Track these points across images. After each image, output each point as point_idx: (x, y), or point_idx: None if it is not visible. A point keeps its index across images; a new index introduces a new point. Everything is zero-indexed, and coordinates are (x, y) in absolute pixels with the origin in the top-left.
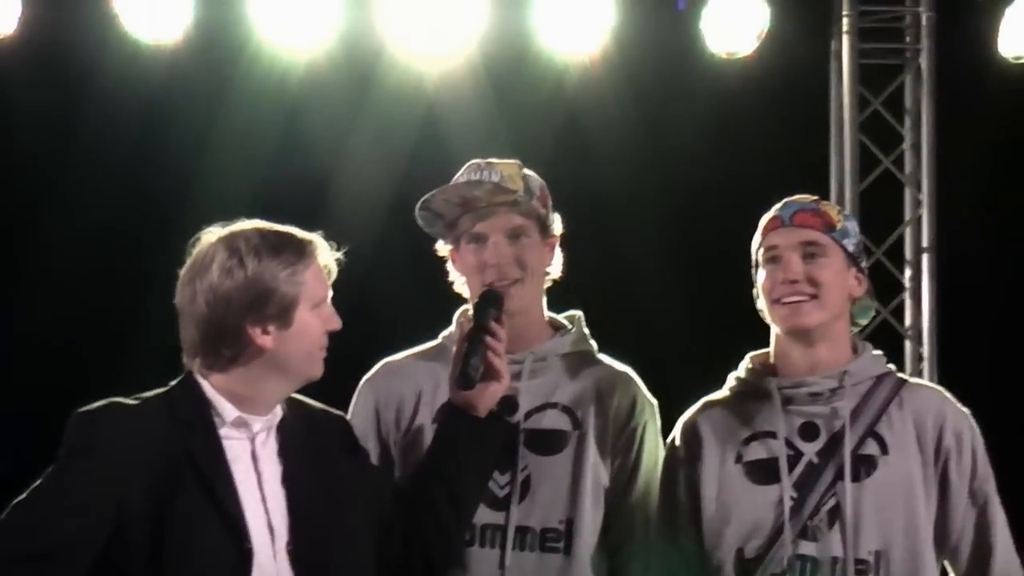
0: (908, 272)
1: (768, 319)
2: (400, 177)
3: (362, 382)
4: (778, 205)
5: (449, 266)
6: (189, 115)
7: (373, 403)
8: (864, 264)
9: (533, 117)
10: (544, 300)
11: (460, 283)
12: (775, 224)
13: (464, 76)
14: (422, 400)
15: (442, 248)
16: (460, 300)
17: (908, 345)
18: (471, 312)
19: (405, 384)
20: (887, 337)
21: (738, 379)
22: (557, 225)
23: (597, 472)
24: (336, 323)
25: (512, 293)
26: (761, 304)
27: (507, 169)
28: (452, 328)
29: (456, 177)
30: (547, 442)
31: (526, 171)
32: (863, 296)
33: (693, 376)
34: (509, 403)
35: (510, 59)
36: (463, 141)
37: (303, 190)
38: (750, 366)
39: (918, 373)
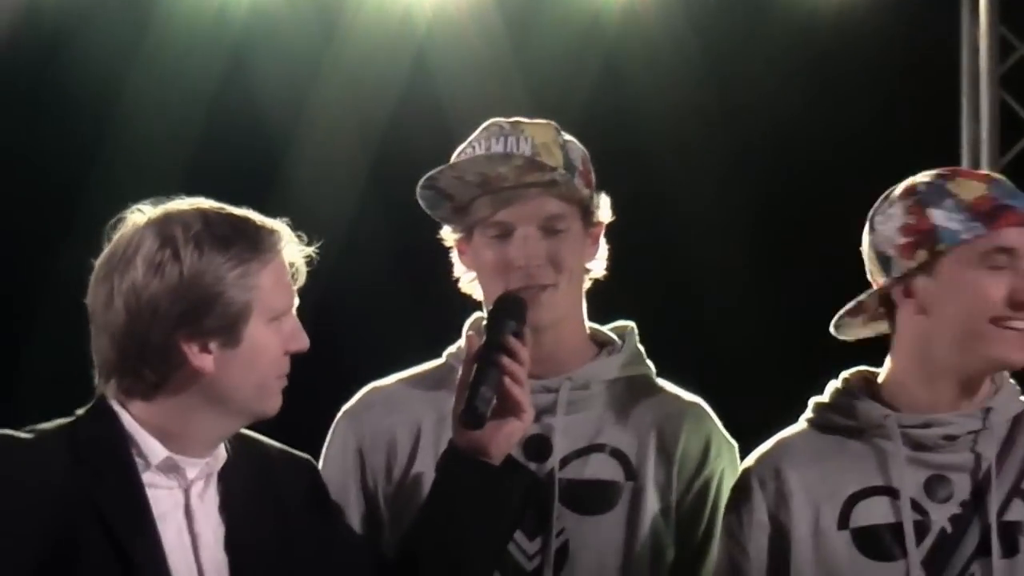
0: None
1: (948, 338)
2: (378, 146)
3: (340, 415)
4: (973, 179)
5: (455, 258)
6: (97, 59)
7: (356, 443)
8: None
9: (559, 71)
10: (584, 307)
11: (468, 281)
12: (1016, 218)
13: (465, 12)
14: (422, 440)
15: (448, 236)
16: (468, 307)
17: None
18: (484, 324)
19: (399, 418)
20: None
21: (826, 407)
22: (604, 209)
23: (658, 537)
24: (301, 342)
25: (544, 302)
26: (920, 309)
27: (541, 134)
28: (461, 343)
29: (470, 142)
30: (591, 497)
31: (565, 136)
32: None
33: (768, 411)
34: (540, 445)
35: None
36: (463, 102)
37: (250, 162)
38: (845, 390)
39: None
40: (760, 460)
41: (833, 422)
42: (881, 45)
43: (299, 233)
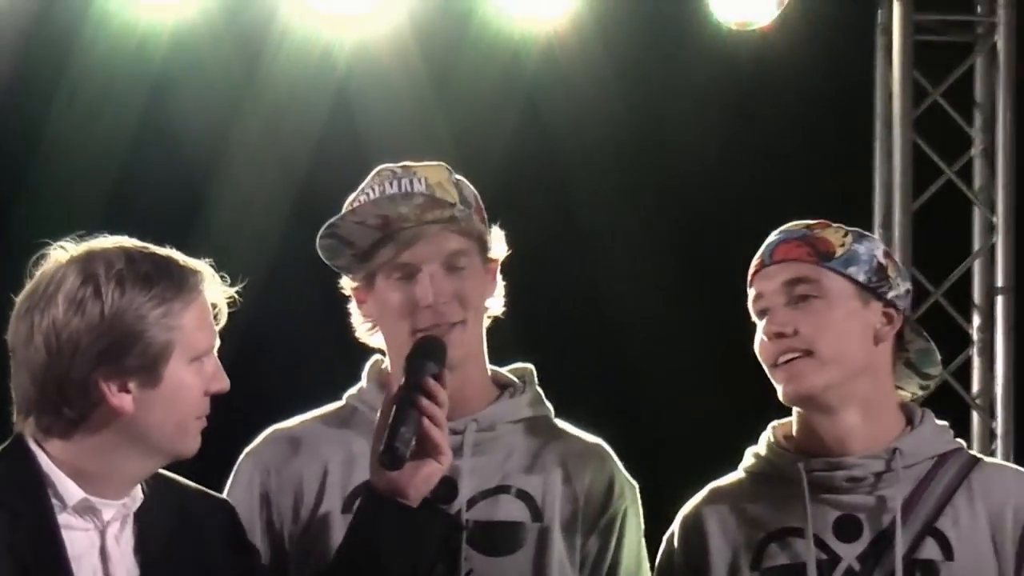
0: (976, 320)
1: None
2: (300, 184)
3: (243, 456)
4: (769, 238)
5: (353, 308)
6: (16, 93)
7: (260, 484)
8: (896, 294)
9: (480, 108)
10: (485, 347)
11: (366, 330)
12: (758, 265)
13: (386, 50)
14: (328, 479)
15: (347, 285)
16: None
17: (976, 416)
18: (399, 366)
19: (305, 458)
20: (949, 406)
21: (755, 456)
22: (500, 244)
23: None
24: (222, 383)
25: (453, 340)
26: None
27: (433, 174)
28: (363, 384)
29: (362, 190)
30: (498, 538)
31: (455, 175)
32: (911, 336)
33: (701, 453)
34: (447, 487)
35: (449, 26)
36: (384, 136)
37: (171, 199)
38: (772, 441)
39: (989, 454)
40: (689, 507)
41: (759, 469)
42: (798, 88)
43: (222, 274)
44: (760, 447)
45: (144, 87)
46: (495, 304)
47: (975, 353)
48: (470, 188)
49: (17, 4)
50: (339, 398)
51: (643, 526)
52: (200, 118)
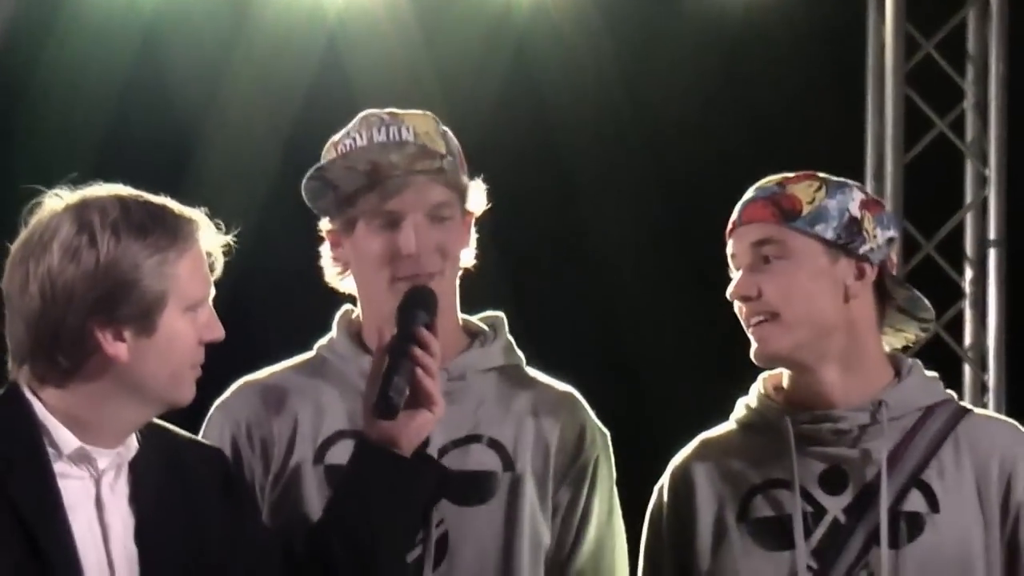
0: (969, 273)
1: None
2: (289, 136)
3: (214, 408)
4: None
5: (325, 250)
6: (4, 42)
7: (231, 436)
8: (869, 247)
9: (470, 62)
10: (457, 298)
11: (336, 274)
12: (732, 224)
13: (377, 2)
14: (299, 431)
15: (324, 226)
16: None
17: (968, 369)
18: (372, 312)
19: (274, 410)
20: (941, 358)
21: (745, 408)
22: (480, 198)
23: (536, 527)
24: (216, 332)
25: (432, 289)
26: None
27: (422, 124)
28: (333, 334)
29: (348, 132)
30: (470, 488)
31: (442, 125)
32: (893, 287)
33: (688, 406)
34: None
35: None
36: (373, 91)
37: (161, 150)
38: (763, 391)
39: (981, 407)
40: (678, 458)
41: (750, 421)
42: (789, 41)
43: (216, 222)
44: (751, 398)
45: (134, 37)
46: (467, 256)
47: (967, 306)
48: (454, 140)
49: None
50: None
51: (615, 474)
52: (190, 68)
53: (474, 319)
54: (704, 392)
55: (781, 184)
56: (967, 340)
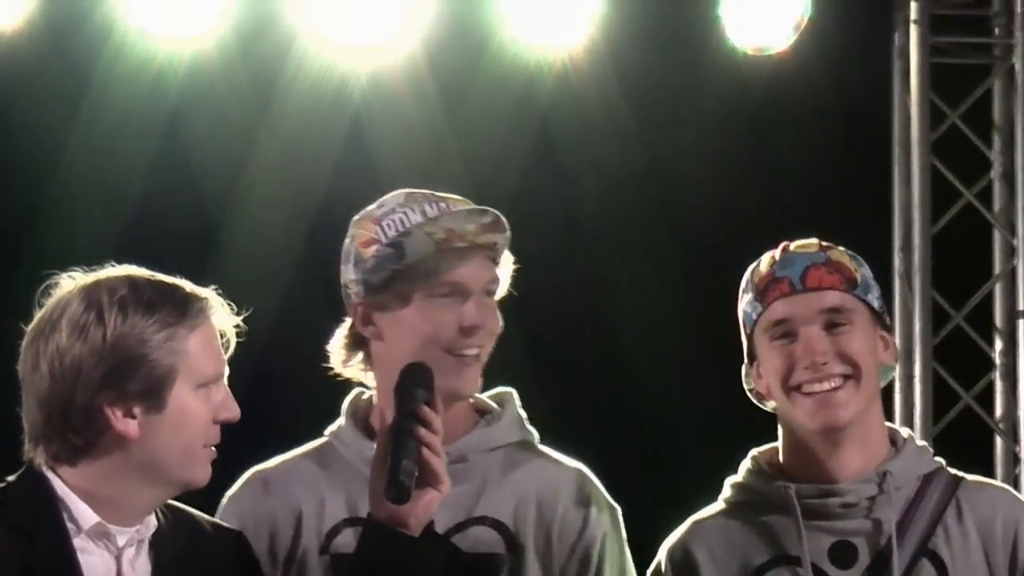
0: (999, 344)
1: (780, 411)
2: (314, 214)
3: (224, 501)
4: (770, 258)
5: (340, 331)
6: (33, 126)
7: (238, 528)
8: (887, 320)
9: (493, 138)
10: None
11: (344, 359)
12: (782, 289)
13: (401, 80)
14: (304, 522)
15: (357, 299)
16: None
17: (999, 441)
18: (387, 397)
19: (278, 502)
20: (972, 430)
21: (738, 486)
22: (505, 284)
23: None
24: (232, 412)
25: (474, 373)
26: (764, 391)
27: (461, 202)
28: (341, 421)
29: (392, 209)
30: (474, 571)
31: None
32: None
33: (691, 483)
34: None
35: (465, 55)
36: (397, 171)
37: (187, 230)
38: (753, 467)
39: (1013, 479)
40: (673, 540)
41: (744, 499)
42: (815, 112)
43: (229, 302)
44: (741, 476)
45: (161, 118)
46: None
47: (997, 377)
48: None
49: (35, 35)
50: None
51: (627, 550)
52: (216, 150)
53: (484, 396)
54: (720, 460)
55: (823, 249)
56: (998, 411)
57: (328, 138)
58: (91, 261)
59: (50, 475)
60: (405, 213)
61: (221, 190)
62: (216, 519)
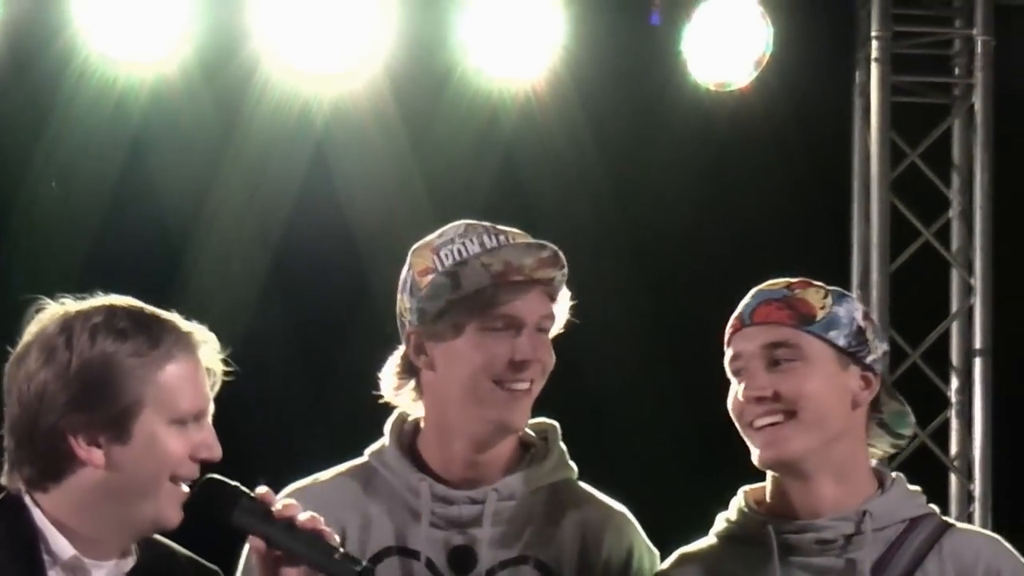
0: (955, 382)
1: None
2: (278, 241)
3: None
4: (747, 296)
5: (393, 359)
6: None
7: None
8: (874, 358)
9: (458, 163)
10: None
11: (397, 386)
12: (736, 325)
13: (364, 108)
14: (347, 545)
15: (411, 328)
16: (372, 405)
17: (954, 479)
18: (459, 415)
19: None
20: (926, 468)
21: (725, 521)
22: (561, 320)
23: None
24: (211, 452)
25: (524, 406)
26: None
27: (520, 236)
28: (385, 442)
29: (451, 239)
30: None
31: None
32: (885, 399)
33: (673, 519)
34: (465, 556)
35: (428, 84)
36: (362, 195)
37: (147, 258)
38: (743, 505)
39: (967, 516)
40: (660, 569)
41: (730, 533)
42: (776, 148)
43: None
44: (731, 512)
45: (124, 143)
46: None
47: (953, 415)
48: None
49: None
50: (318, 460)
51: None
52: (179, 175)
53: (526, 427)
54: (686, 495)
55: (790, 287)
56: (953, 449)
57: (291, 164)
58: (54, 286)
59: (29, 503)
60: (464, 243)
61: (184, 215)
62: (195, 556)
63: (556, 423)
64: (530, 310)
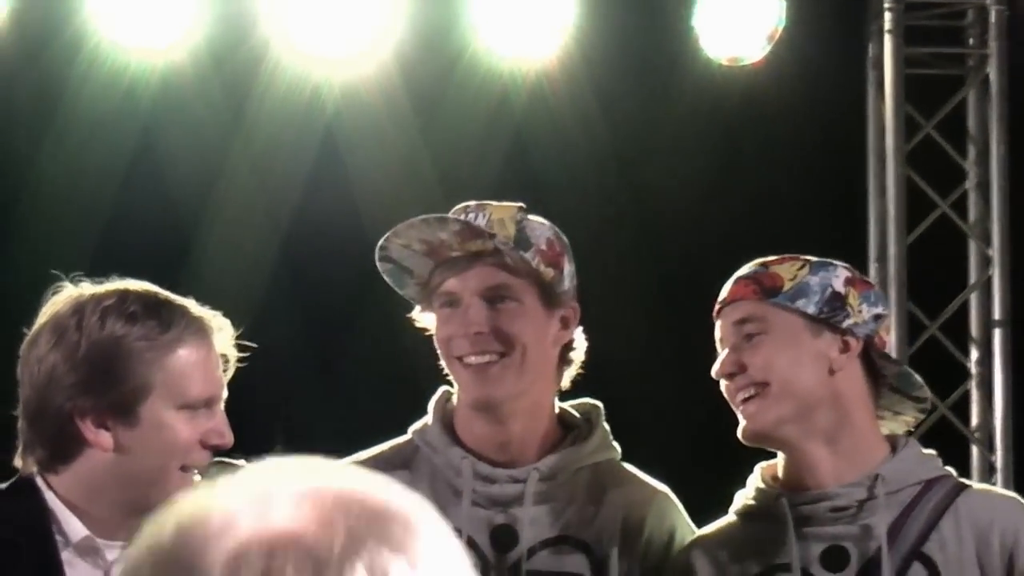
0: (975, 354)
1: None
2: (288, 226)
3: None
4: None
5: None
6: (5, 137)
7: None
8: (854, 322)
9: (468, 146)
10: (555, 392)
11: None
12: (717, 308)
13: (374, 93)
14: None
15: (420, 316)
16: (379, 389)
17: (975, 450)
18: (466, 399)
19: None
20: (948, 440)
21: (743, 498)
22: (570, 292)
23: None
24: (222, 438)
25: (491, 375)
26: None
27: (499, 211)
28: (428, 420)
29: (399, 228)
30: None
31: (531, 216)
32: (881, 362)
33: (692, 502)
34: (507, 535)
35: (438, 66)
36: (372, 182)
37: (157, 242)
38: (758, 481)
39: None
40: (678, 552)
41: (748, 509)
42: (789, 122)
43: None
44: (748, 489)
45: (134, 129)
46: (575, 354)
47: (973, 387)
48: (545, 230)
49: (7, 47)
50: (326, 444)
51: None
52: (189, 160)
53: (569, 406)
54: (693, 481)
55: (764, 265)
56: (974, 421)
57: (301, 149)
58: (65, 272)
59: (41, 485)
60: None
61: (194, 201)
62: None
63: (599, 403)
64: (465, 284)
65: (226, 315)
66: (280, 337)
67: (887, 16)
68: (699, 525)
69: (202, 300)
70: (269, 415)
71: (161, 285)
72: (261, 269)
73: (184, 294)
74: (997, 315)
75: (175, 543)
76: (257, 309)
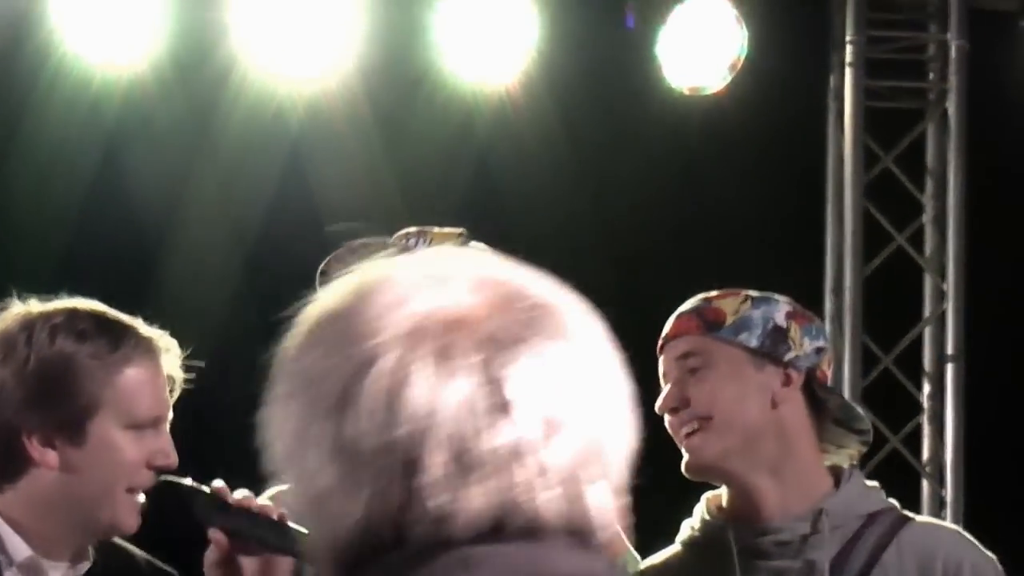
0: (927, 388)
1: None
2: (252, 244)
3: None
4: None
5: None
6: None
7: None
8: (796, 355)
9: (432, 165)
10: None
11: None
12: (660, 344)
13: (339, 111)
14: None
15: None
16: None
17: (926, 484)
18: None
19: None
20: (899, 474)
21: (689, 528)
22: None
23: None
24: (167, 459)
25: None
26: None
27: (440, 238)
28: None
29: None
30: None
31: (473, 243)
32: (824, 394)
33: (643, 531)
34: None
35: (402, 86)
36: (337, 196)
37: (121, 259)
38: (704, 512)
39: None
40: None
41: (694, 540)
42: (749, 152)
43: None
44: (694, 519)
45: (97, 144)
46: None
47: (925, 421)
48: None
49: None
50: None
51: None
52: (154, 176)
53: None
54: (649, 512)
55: (707, 299)
56: (925, 455)
57: (266, 166)
58: (26, 288)
59: None
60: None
61: (158, 216)
62: (153, 559)
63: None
64: None
65: (189, 329)
66: (243, 351)
67: (848, 49)
68: (644, 555)
69: (166, 315)
70: (231, 430)
71: (124, 299)
72: (225, 285)
73: (147, 310)
74: (950, 350)
75: (353, 306)
76: (220, 325)
